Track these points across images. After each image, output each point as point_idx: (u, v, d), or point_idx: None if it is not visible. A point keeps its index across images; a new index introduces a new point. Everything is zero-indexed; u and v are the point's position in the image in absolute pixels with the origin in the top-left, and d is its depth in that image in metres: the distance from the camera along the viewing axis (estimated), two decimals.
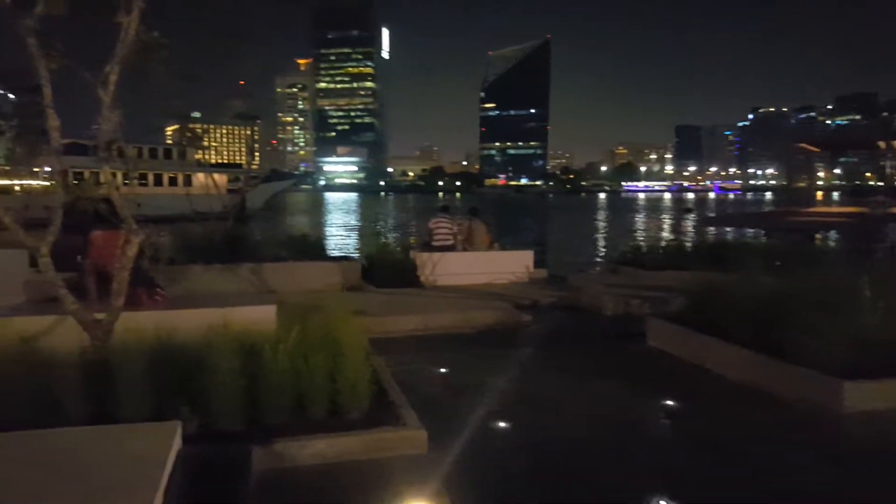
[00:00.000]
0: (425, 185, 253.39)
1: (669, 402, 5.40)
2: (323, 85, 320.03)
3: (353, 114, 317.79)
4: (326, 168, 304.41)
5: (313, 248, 11.74)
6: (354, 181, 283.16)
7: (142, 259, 4.90)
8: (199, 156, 46.63)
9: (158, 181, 43.78)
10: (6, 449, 3.66)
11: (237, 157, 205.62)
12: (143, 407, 4.16)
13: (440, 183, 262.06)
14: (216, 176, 50.82)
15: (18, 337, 4.98)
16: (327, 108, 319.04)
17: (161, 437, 3.63)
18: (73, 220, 6.83)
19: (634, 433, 4.84)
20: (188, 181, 45.27)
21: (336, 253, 15.37)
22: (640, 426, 5.00)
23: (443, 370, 6.29)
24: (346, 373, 4.45)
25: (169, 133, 46.38)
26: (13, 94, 18.83)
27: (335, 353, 4.53)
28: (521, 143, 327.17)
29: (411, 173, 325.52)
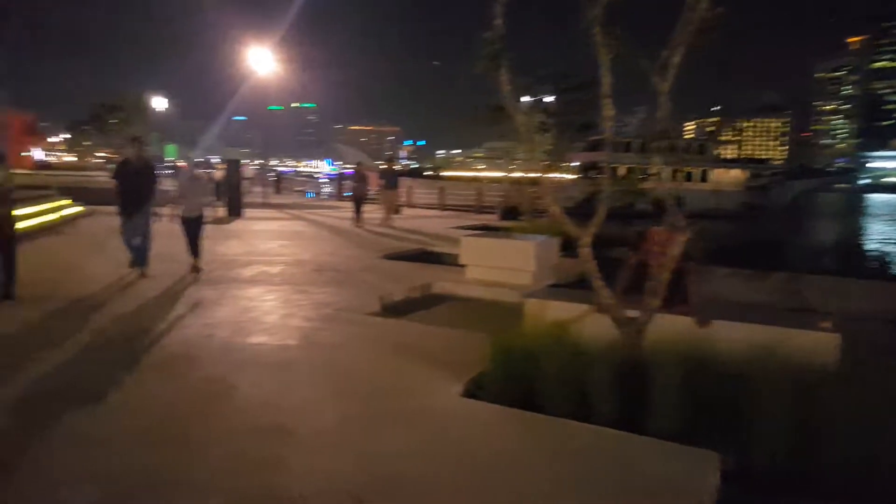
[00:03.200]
0: None
1: None
2: (880, 64, 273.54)
3: None
4: (873, 164, 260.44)
5: (869, 262, 9.81)
6: None
7: (685, 260, 4.75)
8: (718, 151, 46.12)
9: (675, 177, 45.33)
10: (538, 430, 4.01)
11: (761, 152, 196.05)
12: (670, 420, 3.99)
13: None
14: (734, 172, 49.54)
15: (553, 321, 5.53)
16: (882, 91, 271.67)
17: (694, 467, 3.35)
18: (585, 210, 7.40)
19: None
20: (704, 177, 45.49)
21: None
22: None
23: None
24: None
25: (690, 128, 47.32)
26: (555, 95, 21.89)
27: None
28: None
29: None
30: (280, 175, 44.26)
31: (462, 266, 9.65)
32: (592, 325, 5.33)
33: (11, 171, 7.17)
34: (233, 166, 20.41)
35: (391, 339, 6.06)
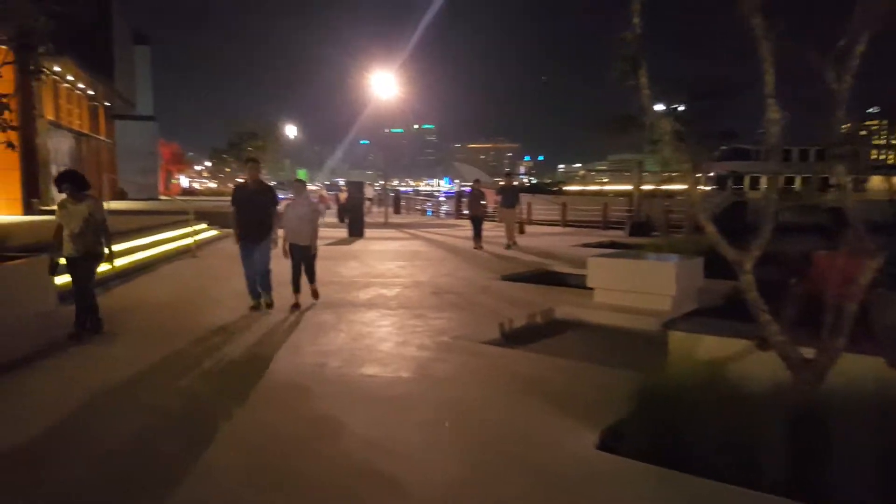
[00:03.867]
0: None
1: None
2: None
3: None
4: None
5: None
6: None
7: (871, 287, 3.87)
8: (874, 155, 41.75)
9: (824, 185, 41.46)
10: (697, 498, 3.33)
11: None
12: (864, 489, 3.17)
13: None
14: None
15: (705, 358, 4.78)
16: None
17: None
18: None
19: None
20: (858, 185, 41.24)
21: None
22: None
23: None
24: None
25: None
26: (685, 103, 20.55)
27: None
28: None
29: None
30: (400, 195, 45.20)
31: (589, 289, 8.95)
32: (754, 364, 4.54)
33: (99, 200, 6.79)
34: (354, 188, 20.85)
35: (513, 372, 5.54)
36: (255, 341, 6.62)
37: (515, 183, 20.16)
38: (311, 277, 8.59)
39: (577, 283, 10.29)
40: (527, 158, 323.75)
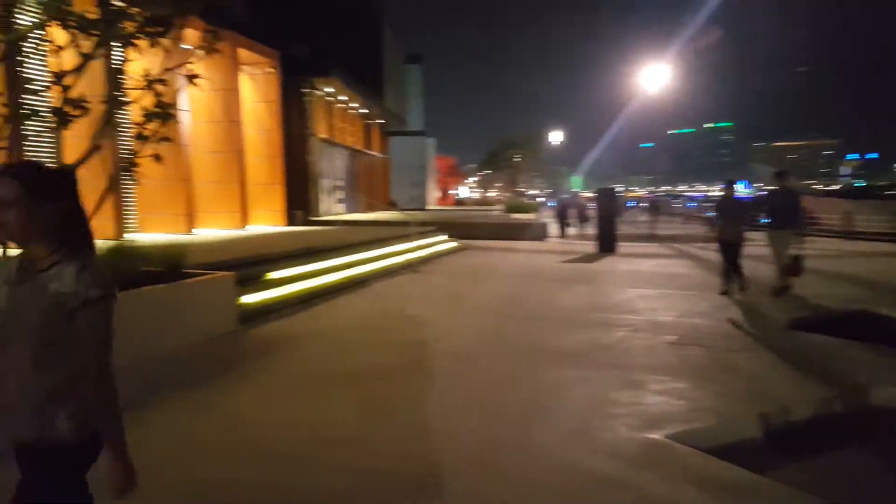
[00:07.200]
0: None
1: None
2: None
3: None
4: None
5: None
6: None
7: None
8: None
9: None
10: None
11: None
12: None
13: None
14: None
15: None
16: None
17: None
18: None
19: None
20: None
21: None
22: None
23: None
24: None
25: None
26: None
27: None
28: None
29: None
30: (658, 202, 39.85)
31: None
32: None
33: None
34: (605, 196, 18.40)
35: None
36: (353, 422, 4.83)
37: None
38: None
39: None
40: (851, 157, 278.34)
